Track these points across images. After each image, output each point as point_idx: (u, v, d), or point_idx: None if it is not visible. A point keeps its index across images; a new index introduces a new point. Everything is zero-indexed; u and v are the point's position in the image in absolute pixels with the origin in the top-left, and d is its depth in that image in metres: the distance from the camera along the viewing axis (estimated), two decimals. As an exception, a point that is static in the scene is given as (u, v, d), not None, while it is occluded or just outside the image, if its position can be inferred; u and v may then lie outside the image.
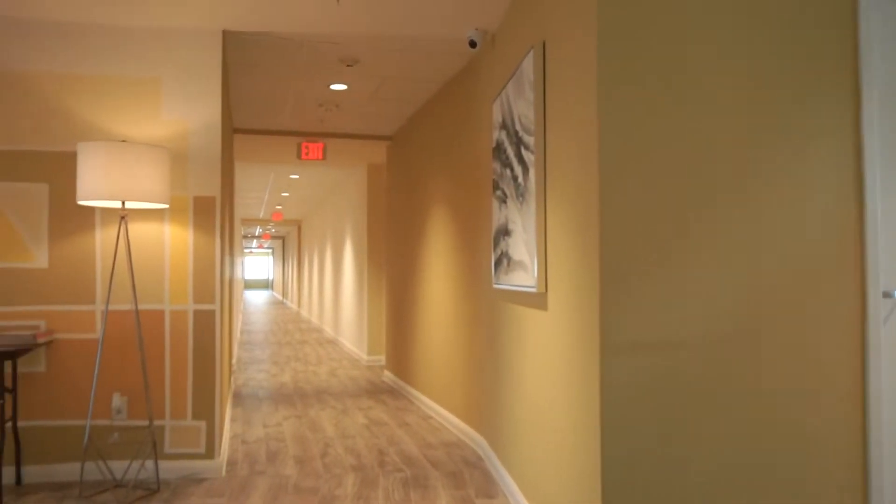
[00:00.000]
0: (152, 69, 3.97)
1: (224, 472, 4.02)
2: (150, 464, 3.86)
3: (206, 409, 3.98)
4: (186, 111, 4.01)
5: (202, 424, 3.98)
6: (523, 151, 3.21)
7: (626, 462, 2.33)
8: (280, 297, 32.35)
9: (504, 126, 3.61)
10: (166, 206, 3.75)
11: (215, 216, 4.04)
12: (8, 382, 3.79)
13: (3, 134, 3.82)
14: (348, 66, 4.87)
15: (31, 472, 3.80)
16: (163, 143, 3.97)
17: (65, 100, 3.89)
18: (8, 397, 3.78)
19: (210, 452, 3.97)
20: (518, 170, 3.31)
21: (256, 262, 47.43)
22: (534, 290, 3.03)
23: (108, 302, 3.57)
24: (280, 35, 4.24)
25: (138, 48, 3.96)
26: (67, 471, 3.84)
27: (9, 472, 3.77)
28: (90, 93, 3.91)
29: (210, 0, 3.63)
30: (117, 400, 3.90)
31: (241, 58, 4.72)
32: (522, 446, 3.39)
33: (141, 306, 3.94)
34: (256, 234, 27.48)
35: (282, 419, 5.53)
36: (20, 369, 3.83)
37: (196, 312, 4.00)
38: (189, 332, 3.99)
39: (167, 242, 3.99)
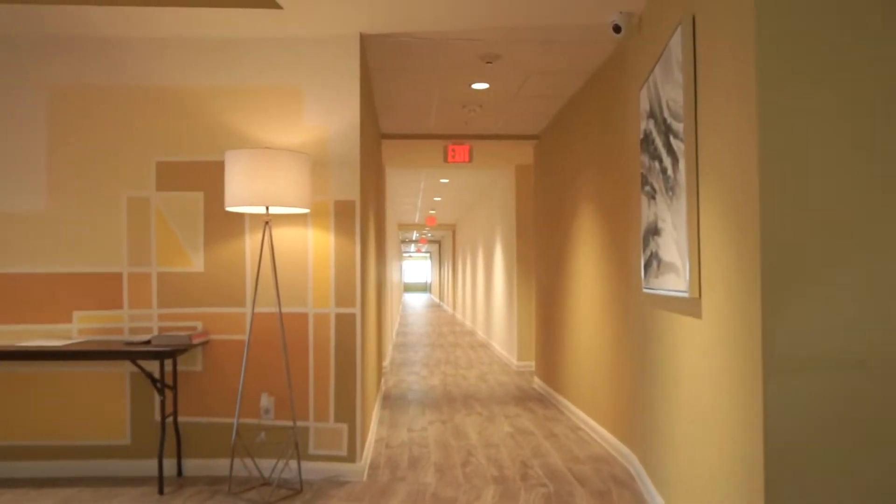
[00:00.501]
0: (294, 78, 4.06)
1: (365, 477, 4.02)
2: (294, 464, 3.93)
3: (347, 412, 4.00)
4: (327, 117, 4.05)
5: (344, 427, 4.00)
6: (672, 140, 2.88)
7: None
8: (437, 300, 33.04)
9: (651, 114, 3.28)
10: (307, 210, 3.81)
11: (355, 220, 4.05)
12: (168, 380, 4.02)
13: (166, 146, 4.07)
14: (488, 63, 4.73)
15: (191, 465, 4.01)
16: (305, 149, 4.05)
17: (217, 112, 4.07)
18: (168, 394, 4.01)
19: (352, 456, 3.98)
20: (667, 161, 2.98)
21: (415, 266, 48.90)
22: (685, 294, 2.70)
23: (253, 304, 3.67)
24: (416, 35, 4.18)
25: (281, 59, 4.06)
26: (222, 466, 4.01)
27: (171, 464, 4.00)
28: (239, 104, 4.07)
29: (345, 4, 3.64)
30: (265, 400, 4.02)
31: (382, 62, 4.73)
32: (676, 468, 3.05)
33: (285, 309, 4.04)
34: (413, 238, 28.25)
35: (427, 424, 5.49)
36: (179, 367, 4.06)
37: (338, 316, 4.03)
38: (331, 336, 4.03)
39: (310, 246, 4.05)
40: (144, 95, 4.09)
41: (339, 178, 4.05)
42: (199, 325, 4.07)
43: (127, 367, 4.06)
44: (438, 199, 13.50)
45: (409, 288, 48.49)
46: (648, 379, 3.62)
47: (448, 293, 25.40)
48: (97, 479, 3.93)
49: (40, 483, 3.86)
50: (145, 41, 4.08)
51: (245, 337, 4.04)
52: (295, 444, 3.78)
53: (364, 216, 4.30)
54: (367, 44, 4.35)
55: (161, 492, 3.66)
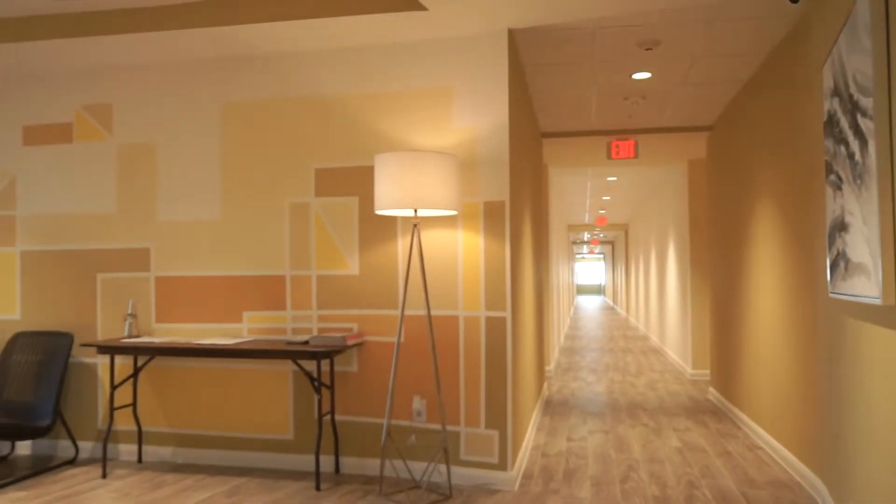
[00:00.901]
0: (443, 79, 4.03)
1: (517, 486, 3.88)
2: (444, 468, 3.89)
3: (498, 418, 3.89)
4: (476, 117, 3.98)
5: (495, 434, 3.89)
6: (859, 119, 2.45)
7: None
8: (611, 303, 32.07)
9: (836, 92, 2.84)
10: (456, 212, 3.76)
11: (505, 221, 3.94)
12: (325, 379, 4.16)
13: (323, 153, 4.22)
14: (648, 49, 4.41)
15: (348, 463, 4.11)
16: (454, 150, 4.00)
17: (370, 118, 4.15)
18: (326, 393, 4.15)
19: (503, 463, 3.87)
20: (854, 144, 2.55)
21: (589, 268, 47.86)
22: (878, 301, 2.28)
23: (402, 307, 3.68)
24: (567, 25, 3.98)
25: (429, 61, 4.05)
26: (377, 465, 4.07)
27: (330, 461, 4.13)
28: (391, 109, 4.12)
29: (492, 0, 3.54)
30: (417, 402, 4.02)
31: (535, 57, 4.58)
32: (869, 505, 2.60)
33: (436, 312, 4.02)
34: (585, 239, 27.61)
35: (587, 433, 5.24)
36: (336, 367, 4.18)
37: (488, 319, 3.94)
38: (482, 340, 3.94)
39: (460, 249, 4.00)
40: (304, 106, 4.26)
41: (488, 179, 3.96)
42: (354, 326, 4.16)
43: (290, 366, 4.25)
44: (607, 198, 13.02)
45: (582, 290, 47.59)
46: (838, 397, 3.14)
47: (621, 296, 24.53)
48: (263, 471, 4.15)
49: (215, 470, 4.15)
50: (303, 55, 4.26)
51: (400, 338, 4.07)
52: (444, 449, 3.74)
53: (515, 217, 4.17)
54: (518, 39, 4.23)
55: (318, 488, 3.78)
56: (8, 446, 4.66)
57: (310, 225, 4.25)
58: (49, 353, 4.43)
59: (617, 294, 28.00)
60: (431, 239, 4.04)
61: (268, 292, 4.30)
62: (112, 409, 4.12)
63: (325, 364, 4.17)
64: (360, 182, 4.17)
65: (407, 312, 4.07)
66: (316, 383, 3.87)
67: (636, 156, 6.83)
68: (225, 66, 4.39)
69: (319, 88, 4.24)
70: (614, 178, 10.36)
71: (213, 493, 3.74)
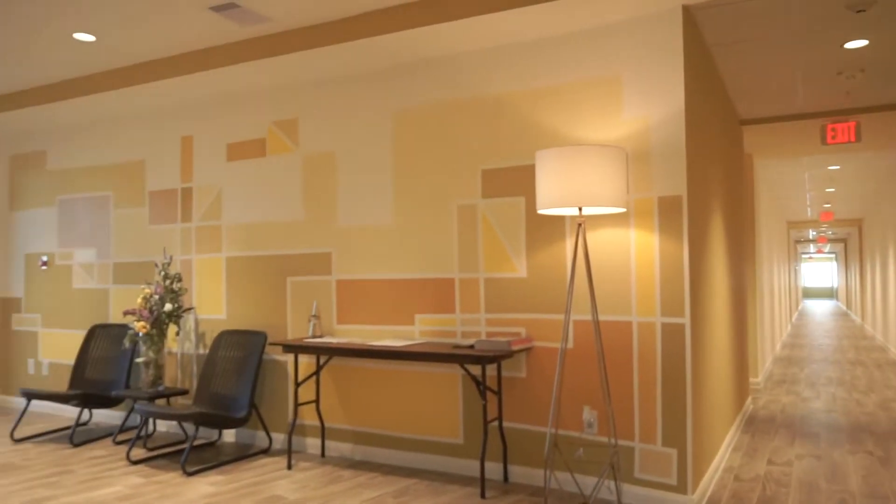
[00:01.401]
0: (612, 67, 3.76)
1: (700, 512, 3.49)
2: (614, 485, 3.61)
3: (676, 435, 3.53)
4: (647, 105, 3.66)
5: (673, 452, 3.54)
6: None
7: None
8: (844, 308, 28.55)
9: None
10: (623, 209, 3.47)
11: (682, 218, 3.57)
12: (493, 384, 4.06)
13: (489, 154, 4.14)
14: (860, 12, 3.76)
15: (517, 472, 3.98)
16: (625, 142, 3.72)
17: (535, 114, 3.99)
18: (493, 398, 4.05)
19: (682, 486, 3.50)
20: None
21: (817, 269, 43.11)
22: None
23: (568, 311, 3.47)
24: (754, -6, 3.52)
25: (597, 49, 3.80)
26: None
27: (497, 469, 4.02)
28: (555, 104, 3.93)
29: (658, -26, 3.22)
30: (587, 413, 3.78)
31: (720, 36, 4.12)
32: None
33: (606, 317, 3.75)
34: (810, 237, 24.85)
35: (794, 457, 4.61)
36: (504, 373, 4.06)
37: (664, 326, 3.59)
38: (657, 348, 3.61)
39: (632, 248, 3.70)
40: (469, 107, 4.22)
41: (662, 173, 3.62)
42: (522, 331, 4.02)
43: (460, 370, 4.22)
44: (831, 190, 11.54)
45: (810, 294, 42.93)
46: None
47: (855, 300, 21.70)
48: (433, 474, 4.15)
49: (388, 470, 4.24)
50: (465, 56, 4.21)
51: (567, 345, 3.87)
52: (612, 465, 3.47)
53: (697, 213, 3.77)
54: (697, 17, 3.82)
55: (483, 495, 3.69)
56: (216, 433, 5.16)
57: (477, 227, 4.19)
58: (247, 350, 4.82)
59: (850, 298, 24.86)
60: (600, 239, 3.79)
61: (437, 295, 4.30)
62: (296, 404, 4.38)
63: (492, 369, 4.08)
64: (526, 182, 4.03)
65: (577, 317, 3.85)
66: (482, 388, 3.79)
67: (858, 139, 5.92)
68: (394, 75, 4.48)
69: (483, 88, 4.17)
70: (836, 167, 9.14)
71: (382, 492, 3.80)
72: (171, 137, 5.51)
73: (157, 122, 5.61)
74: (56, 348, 6.15)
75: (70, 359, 6.04)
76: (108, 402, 5.12)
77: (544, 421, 3.92)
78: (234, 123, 5.18)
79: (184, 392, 4.97)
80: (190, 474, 4.15)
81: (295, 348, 4.31)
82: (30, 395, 5.03)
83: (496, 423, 4.04)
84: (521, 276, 4.04)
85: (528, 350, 3.99)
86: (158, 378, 4.98)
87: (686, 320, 3.54)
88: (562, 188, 3.36)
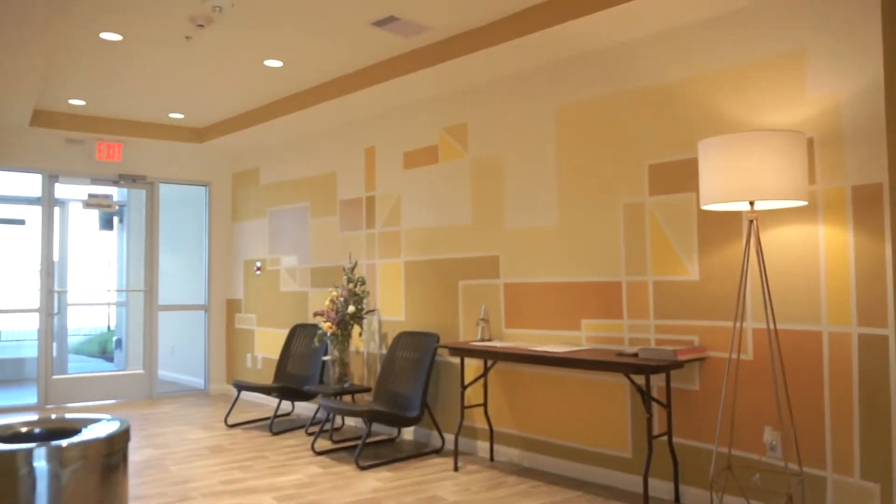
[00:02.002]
0: (795, 40, 3.30)
1: (912, 561, 2.92)
2: (804, 520, 3.14)
3: (879, 467, 2.99)
4: (836, 80, 3.15)
5: (875, 488, 3.00)
6: None
7: None
8: None
9: None
10: (804, 202, 3.02)
11: (883, 210, 3.02)
12: (661, 396, 3.75)
13: (656, 147, 3.85)
14: None
15: (689, 494, 3.64)
16: (810, 124, 3.24)
17: (704, 102, 3.63)
18: (661, 411, 3.74)
19: (887, 527, 2.95)
20: None
21: None
22: None
23: (738, 318, 3.10)
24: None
25: (779, 21, 3.36)
26: (724, 500, 3.51)
27: (667, 488, 3.71)
28: (727, 87, 3.54)
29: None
30: (769, 434, 3.35)
31: (941, -10, 3.43)
32: None
33: (790, 325, 3.29)
34: None
35: None
36: (675, 384, 3.74)
37: (861, 337, 3.07)
38: (853, 363, 3.09)
39: (821, 247, 3.21)
40: (633, 98, 3.96)
41: (856, 158, 3.10)
42: (695, 339, 3.68)
43: (627, 379, 3.96)
44: None
45: None
46: None
47: None
48: (598, 487, 3.94)
49: (552, 479, 4.10)
50: (629, 43, 3.96)
51: (745, 356, 3.46)
52: (789, 496, 3.02)
53: (906, 204, 3.18)
54: (904, -30, 3.22)
55: (646, 516, 3.42)
56: (396, 430, 5.37)
57: (645, 226, 3.91)
58: (421, 351, 4.96)
59: None
60: (781, 236, 3.34)
61: (604, 299, 4.09)
62: (463, 407, 4.41)
63: (660, 379, 3.77)
64: (696, 176, 3.68)
65: (757, 325, 3.43)
66: (646, 399, 3.52)
67: None
68: (554, 71, 4.35)
69: (648, 77, 3.89)
70: None
71: (542, 503, 3.68)
72: (357, 149, 5.86)
73: (344, 136, 6.01)
74: (268, 345, 6.83)
75: (278, 355, 6.67)
76: (304, 396, 5.56)
77: (721, 439, 3.54)
78: (409, 132, 5.38)
79: (367, 390, 5.25)
80: (363, 468, 4.36)
81: (460, 351, 4.35)
82: (239, 387, 5.64)
83: (665, 439, 3.73)
84: (692, 279, 3.69)
85: (700, 361, 3.63)
86: (344, 375, 5.31)
87: (890, 331, 2.99)
88: (729, 180, 3.01)
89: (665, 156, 3.81)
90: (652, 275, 3.87)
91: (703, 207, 3.24)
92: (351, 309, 5.26)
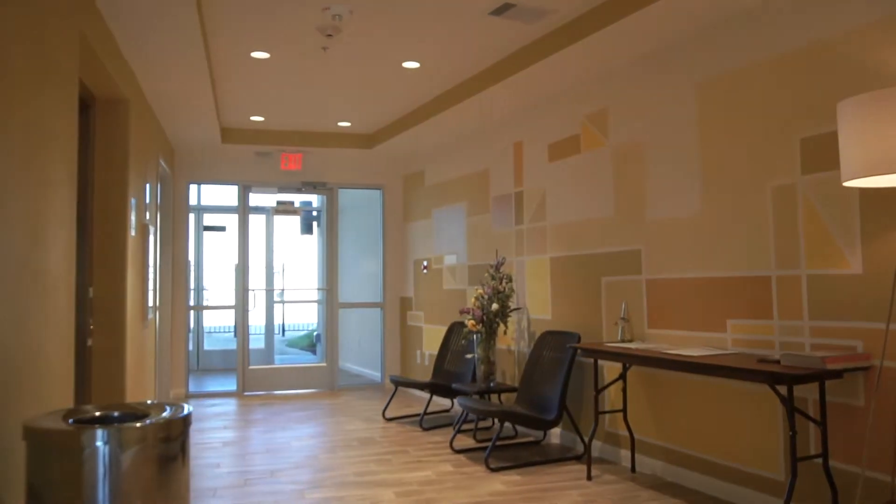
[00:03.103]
0: (974, -31, 2.61)
1: None
2: None
3: None
4: None
5: None
6: None
7: None
8: None
9: None
10: (983, 173, 2.37)
11: None
12: (812, 411, 3.18)
13: (809, 117, 3.28)
14: None
15: (854, 530, 3.05)
16: None
17: (872, 55, 3.02)
18: (812, 429, 3.17)
19: None
20: None
21: None
22: None
23: (891, 320, 2.52)
24: None
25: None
26: (891, 544, 2.88)
27: (825, 521, 3.14)
28: (893, 37, 2.90)
29: None
30: (951, 465, 2.68)
31: None
32: None
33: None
34: None
35: None
36: (833, 398, 3.15)
37: None
38: None
39: None
40: (781, 64, 3.41)
41: None
42: (858, 344, 3.07)
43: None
44: None
45: None
46: None
47: None
48: (742, 512, 3.45)
49: (695, 498, 3.67)
50: (774, 1, 3.42)
51: (917, 367, 2.81)
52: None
53: None
54: None
55: (787, 550, 2.92)
56: (542, 432, 5.18)
57: (797, 212, 3.35)
58: (562, 350, 4.73)
59: None
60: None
61: (751, 297, 3.58)
62: (597, 412, 4.12)
63: (814, 391, 3.20)
64: (852, 148, 3.07)
65: (935, 329, 2.77)
66: (790, 413, 3.01)
67: None
68: (691, 42, 3.90)
69: (796, 38, 3.33)
70: None
71: (668, 522, 3.32)
72: (506, 144, 5.76)
73: (494, 132, 5.94)
74: (433, 341, 6.98)
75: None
76: (454, 393, 5.59)
77: (885, 465, 2.91)
78: (552, 123, 5.16)
79: (513, 389, 5.13)
80: (493, 470, 4.26)
81: (592, 353, 4.07)
82: (396, 382, 5.82)
83: (820, 462, 3.15)
84: (854, 273, 3.09)
85: (864, 370, 3.02)
86: (490, 374, 5.24)
87: None
88: (867, 150, 2.47)
89: (820, 126, 3.23)
90: (806, 268, 3.30)
91: (845, 184, 2.69)
92: (495, 307, 5.17)
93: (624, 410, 4.25)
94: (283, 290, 10.88)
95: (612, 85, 4.57)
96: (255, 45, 4.54)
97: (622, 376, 4.19)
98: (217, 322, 14.04)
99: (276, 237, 9.94)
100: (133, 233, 4.60)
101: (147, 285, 5.15)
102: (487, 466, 4.30)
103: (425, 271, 7.19)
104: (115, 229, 4.39)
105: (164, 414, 2.30)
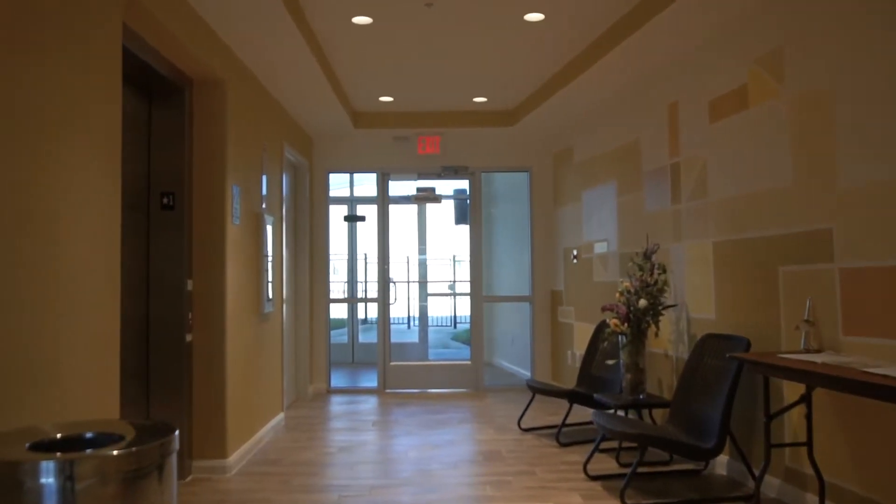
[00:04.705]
0: None
1: None
2: None
3: None
4: None
5: None
6: None
7: None
8: None
9: None
10: None
11: None
12: None
13: None
14: None
15: None
16: None
17: None
18: None
19: None
20: None
21: None
22: None
23: None
24: None
25: None
26: None
27: None
28: None
29: None
30: None
31: None
32: None
33: None
34: None
35: None
36: None
37: None
38: None
39: None
40: None
41: None
42: None
43: None
44: None
45: None
46: None
47: None
48: None
49: (911, 579, 2.59)
50: None
51: None
52: None
53: None
54: None
55: None
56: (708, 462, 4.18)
57: None
58: (725, 360, 3.74)
59: None
60: None
61: None
62: (768, 444, 3.13)
63: None
64: None
65: None
66: None
67: None
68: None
69: None
70: None
71: None
72: (659, 107, 4.80)
73: (644, 94, 4.99)
74: (584, 341, 6.13)
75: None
76: (595, 405, 4.75)
77: None
78: (713, 74, 4.14)
79: (665, 404, 4.21)
80: (629, 508, 3.42)
81: (763, 367, 3.09)
82: (533, 388, 5.09)
83: None
84: None
85: None
86: (639, 384, 4.35)
87: None
88: None
89: None
90: None
91: None
92: (642, 303, 4.27)
93: (809, 444, 3.20)
94: (433, 282, 10.52)
95: (789, 15, 3.49)
96: (354, 8, 4.05)
97: (805, 398, 3.15)
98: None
99: (430, 227, 9.59)
100: (236, 222, 4.33)
101: (263, 277, 4.89)
102: (623, 503, 3.46)
103: (575, 261, 6.36)
104: (213, 220, 4.13)
105: (141, 439, 1.83)
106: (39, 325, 2.25)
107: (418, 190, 7.14)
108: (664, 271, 4.37)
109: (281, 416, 5.43)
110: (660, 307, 4.30)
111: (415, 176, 7.17)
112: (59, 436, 1.85)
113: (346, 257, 9.76)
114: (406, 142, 6.94)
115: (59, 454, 1.69)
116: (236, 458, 4.21)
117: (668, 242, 4.64)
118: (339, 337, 9.94)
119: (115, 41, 2.79)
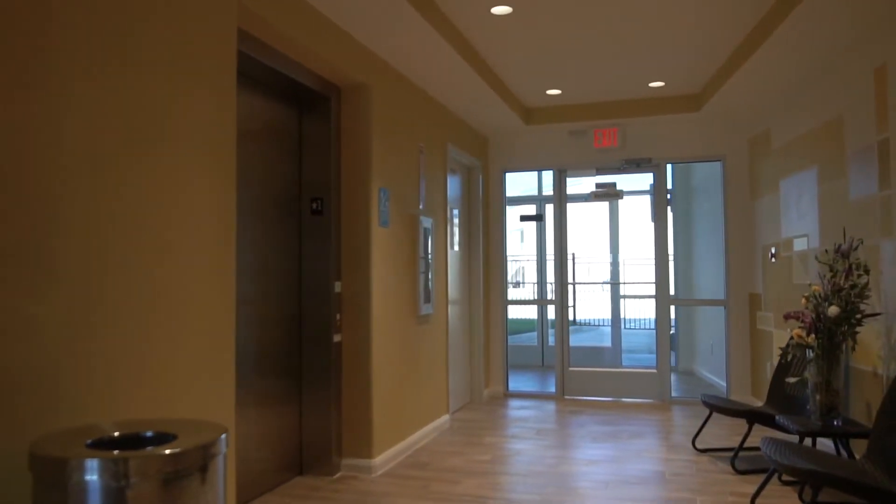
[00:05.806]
0: None
1: None
2: None
3: None
4: None
5: None
6: None
7: None
8: None
9: None
10: None
11: None
12: None
13: None
14: None
15: None
16: None
17: None
18: None
19: None
20: None
21: None
22: None
23: None
24: None
25: None
26: None
27: None
28: None
29: None
30: None
31: None
32: None
33: None
34: None
35: None
36: None
37: None
38: None
39: None
40: None
41: None
42: None
43: None
44: None
45: None
46: None
47: None
48: None
49: None
50: None
51: None
52: None
53: None
54: None
55: None
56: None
57: None
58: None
59: None
60: None
61: None
62: None
63: None
64: None
65: None
66: None
67: None
68: None
69: None
70: None
71: None
72: (864, 74, 3.98)
73: (849, 58, 4.17)
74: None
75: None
76: (778, 427, 4.06)
77: None
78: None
79: (864, 434, 3.46)
80: (798, 558, 2.83)
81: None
82: (710, 406, 4.51)
83: None
84: None
85: None
86: (832, 407, 3.64)
87: None
88: None
89: None
90: None
91: None
92: (833, 310, 3.56)
93: None
94: (626, 283, 9.90)
95: None
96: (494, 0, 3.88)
97: None
98: (587, 315, 13.62)
99: (623, 225, 9.06)
100: (383, 225, 4.36)
101: (420, 279, 4.90)
102: (788, 551, 2.88)
103: (773, 260, 5.56)
104: (359, 223, 4.20)
105: (189, 440, 1.83)
106: (151, 326, 2.39)
107: (597, 186, 6.73)
108: (866, 272, 3.61)
109: (445, 418, 5.41)
110: (859, 316, 3.55)
111: (593, 172, 6.77)
112: (116, 434, 1.93)
113: (535, 258, 9.56)
114: (582, 136, 6.59)
115: (93, 452, 1.75)
116: (384, 458, 4.24)
117: (875, 236, 3.83)
118: (528, 340, 9.77)
119: (230, 56, 2.91)
